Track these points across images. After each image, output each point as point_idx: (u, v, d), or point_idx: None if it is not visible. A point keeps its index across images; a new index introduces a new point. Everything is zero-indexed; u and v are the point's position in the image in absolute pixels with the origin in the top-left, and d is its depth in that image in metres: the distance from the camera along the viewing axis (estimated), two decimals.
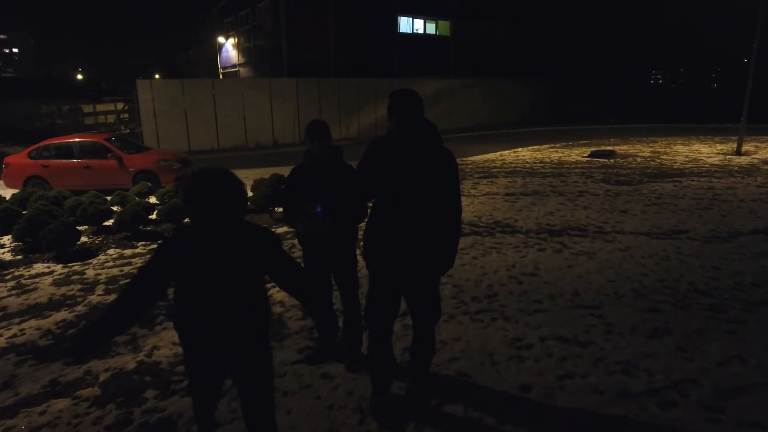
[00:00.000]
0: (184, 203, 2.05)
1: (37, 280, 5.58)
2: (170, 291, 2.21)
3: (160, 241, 2.06)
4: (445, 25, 27.91)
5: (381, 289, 2.78)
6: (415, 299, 2.82)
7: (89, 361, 3.67)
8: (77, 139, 11.30)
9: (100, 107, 25.74)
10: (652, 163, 13.15)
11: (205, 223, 2.04)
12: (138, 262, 6.06)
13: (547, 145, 18.06)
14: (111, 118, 22.47)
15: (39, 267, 6.04)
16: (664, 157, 14.29)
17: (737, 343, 3.67)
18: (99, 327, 2.04)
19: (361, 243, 2.91)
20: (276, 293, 4.71)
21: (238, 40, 29.23)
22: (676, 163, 13.09)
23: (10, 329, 4.34)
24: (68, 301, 4.92)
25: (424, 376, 3.03)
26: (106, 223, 7.61)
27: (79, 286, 5.32)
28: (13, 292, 5.25)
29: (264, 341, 2.28)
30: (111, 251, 6.54)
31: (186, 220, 7.58)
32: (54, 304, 4.86)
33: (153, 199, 9.24)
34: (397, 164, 2.56)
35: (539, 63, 31.39)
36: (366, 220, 2.92)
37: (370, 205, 2.84)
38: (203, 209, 2.01)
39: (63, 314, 4.61)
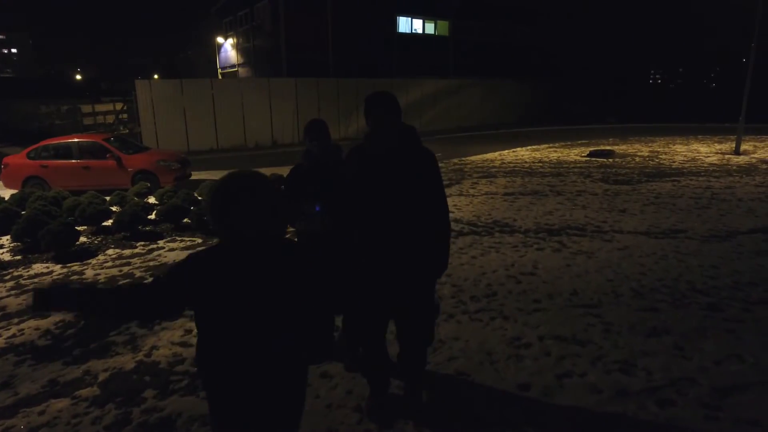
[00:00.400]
0: (213, 218, 1.63)
1: (36, 280, 5.58)
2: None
3: (184, 257, 1.71)
4: (444, 25, 27.92)
5: (372, 295, 2.76)
6: (406, 316, 2.77)
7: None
8: (76, 140, 11.27)
9: (99, 107, 25.64)
10: (651, 162, 13.16)
11: (237, 242, 1.64)
12: (137, 262, 6.06)
13: (546, 145, 18.06)
14: (110, 119, 22.44)
15: (38, 267, 6.03)
16: (663, 156, 14.30)
17: (735, 342, 3.68)
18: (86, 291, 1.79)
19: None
20: None
21: (237, 40, 29.22)
22: (674, 162, 13.10)
23: (9, 329, 4.33)
24: None
25: (419, 377, 3.04)
26: (105, 224, 7.60)
27: (77, 287, 5.31)
28: (12, 292, 5.25)
29: (305, 380, 1.88)
30: (110, 251, 6.54)
31: (185, 219, 7.59)
32: None
33: (152, 200, 9.24)
34: (378, 169, 2.58)
35: (539, 63, 31.43)
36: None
37: None
38: (238, 226, 1.61)
39: (62, 314, 4.60)
